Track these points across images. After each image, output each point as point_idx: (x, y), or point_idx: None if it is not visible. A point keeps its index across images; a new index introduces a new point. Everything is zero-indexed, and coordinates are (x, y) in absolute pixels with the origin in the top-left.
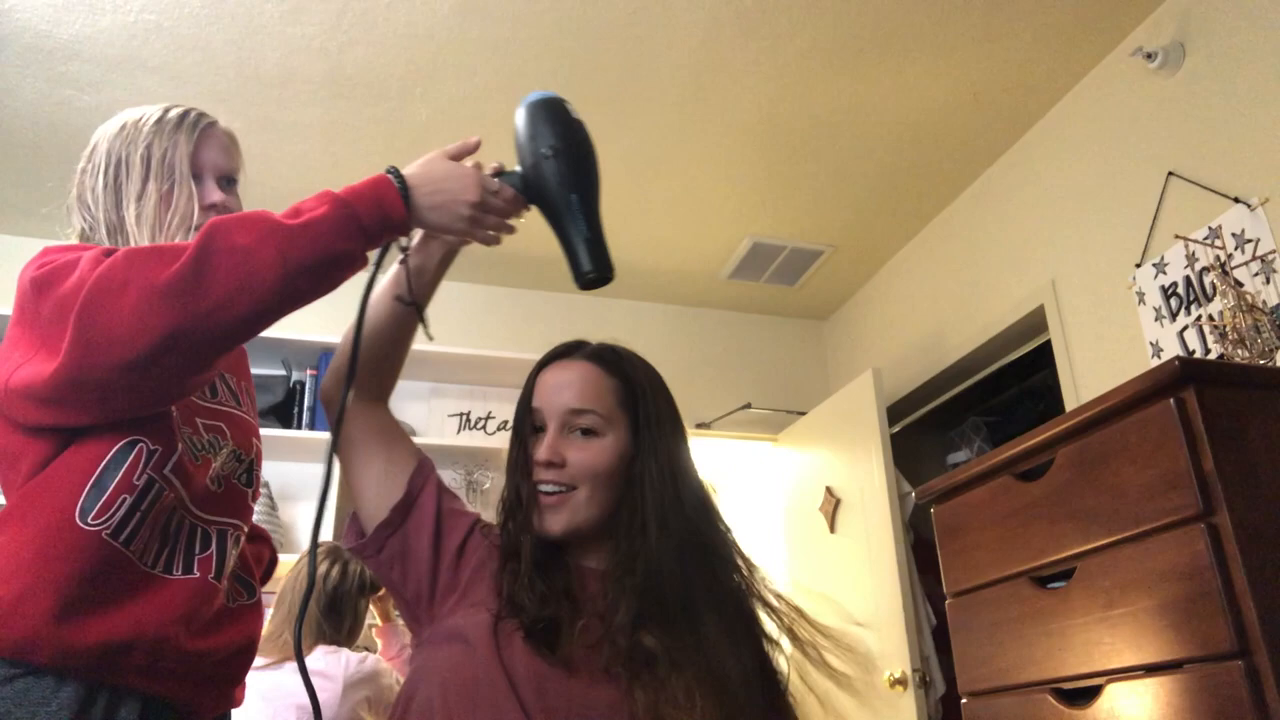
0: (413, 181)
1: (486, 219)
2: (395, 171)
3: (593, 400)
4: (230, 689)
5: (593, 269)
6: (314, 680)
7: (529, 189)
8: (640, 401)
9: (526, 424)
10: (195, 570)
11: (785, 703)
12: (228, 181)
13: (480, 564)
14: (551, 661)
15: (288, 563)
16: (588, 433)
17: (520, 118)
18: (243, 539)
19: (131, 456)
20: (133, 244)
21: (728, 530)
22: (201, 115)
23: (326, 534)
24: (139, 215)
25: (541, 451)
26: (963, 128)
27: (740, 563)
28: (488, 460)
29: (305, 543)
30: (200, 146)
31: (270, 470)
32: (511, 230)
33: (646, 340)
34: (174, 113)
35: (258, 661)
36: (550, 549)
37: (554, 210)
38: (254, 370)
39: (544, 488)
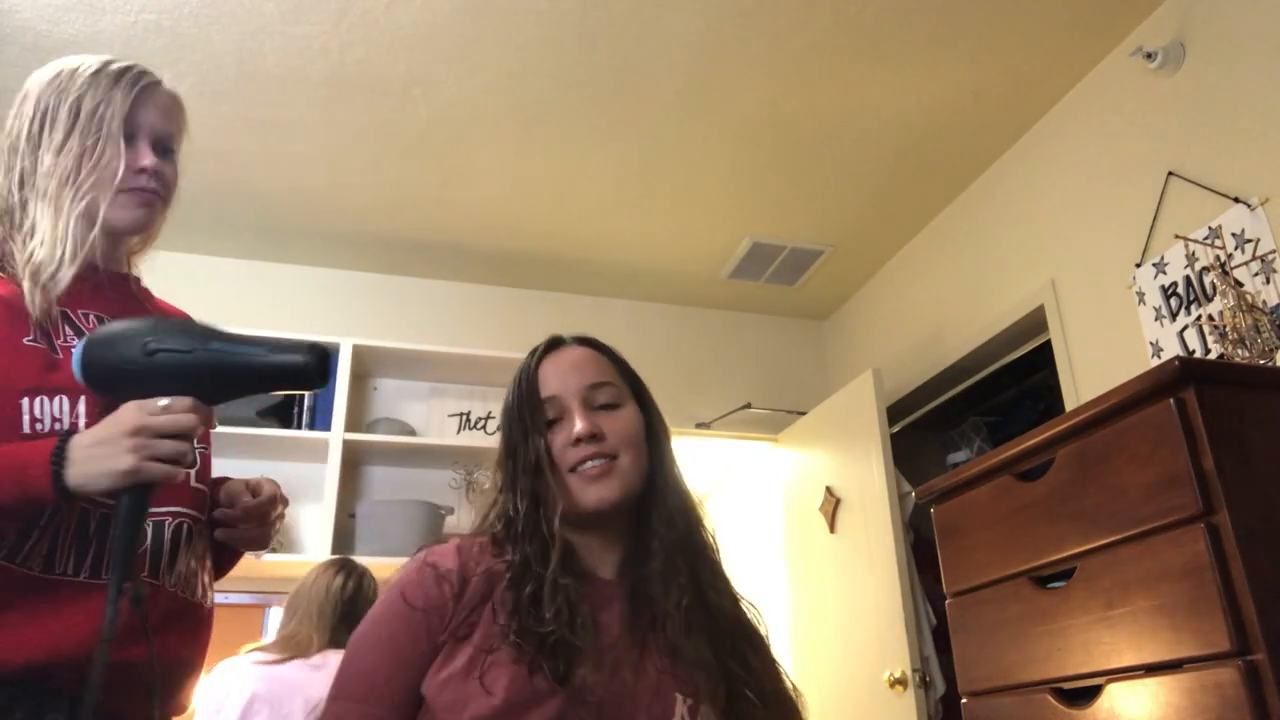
0: (75, 441)
1: (157, 444)
2: (66, 435)
3: (606, 374)
4: (166, 703)
5: (304, 356)
6: (320, 676)
7: (192, 384)
8: (639, 384)
9: (540, 418)
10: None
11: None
12: (165, 149)
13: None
14: (553, 687)
15: (290, 562)
16: (610, 406)
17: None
18: (203, 528)
19: None
20: (37, 196)
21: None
22: (144, 73)
23: (325, 536)
24: (52, 167)
25: (581, 426)
26: (963, 128)
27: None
28: (488, 460)
29: (306, 543)
30: (138, 105)
31: (270, 471)
32: (194, 445)
33: (646, 340)
34: (115, 66)
35: (264, 657)
36: (566, 559)
37: (223, 369)
38: None
39: (587, 464)
